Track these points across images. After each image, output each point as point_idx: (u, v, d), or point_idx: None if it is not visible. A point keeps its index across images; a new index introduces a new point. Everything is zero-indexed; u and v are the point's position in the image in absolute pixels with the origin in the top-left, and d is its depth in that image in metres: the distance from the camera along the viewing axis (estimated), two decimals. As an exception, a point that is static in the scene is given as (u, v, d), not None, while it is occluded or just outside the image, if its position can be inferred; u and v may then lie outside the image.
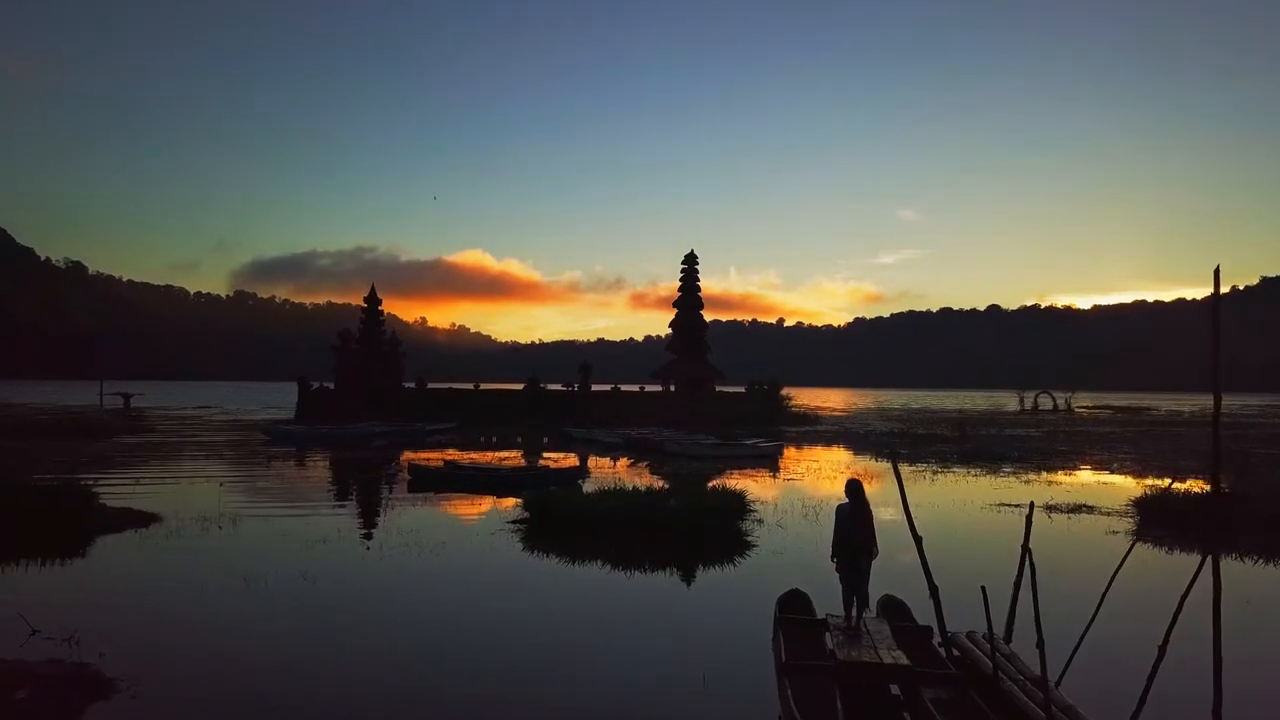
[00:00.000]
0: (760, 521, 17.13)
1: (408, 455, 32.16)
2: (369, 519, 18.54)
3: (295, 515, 17.94)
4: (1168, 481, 22.35)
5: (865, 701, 7.04)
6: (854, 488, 8.85)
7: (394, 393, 58.97)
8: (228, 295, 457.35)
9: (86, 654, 8.37)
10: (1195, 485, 22.69)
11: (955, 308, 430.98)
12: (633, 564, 13.42)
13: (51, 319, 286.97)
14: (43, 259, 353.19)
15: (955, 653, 8.11)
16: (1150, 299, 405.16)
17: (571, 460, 30.22)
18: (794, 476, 27.61)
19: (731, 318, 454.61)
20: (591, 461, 29.94)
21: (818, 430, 54.41)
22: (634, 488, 18.97)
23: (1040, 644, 6.24)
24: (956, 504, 20.67)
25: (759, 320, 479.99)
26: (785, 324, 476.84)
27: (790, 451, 37.63)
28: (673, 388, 64.32)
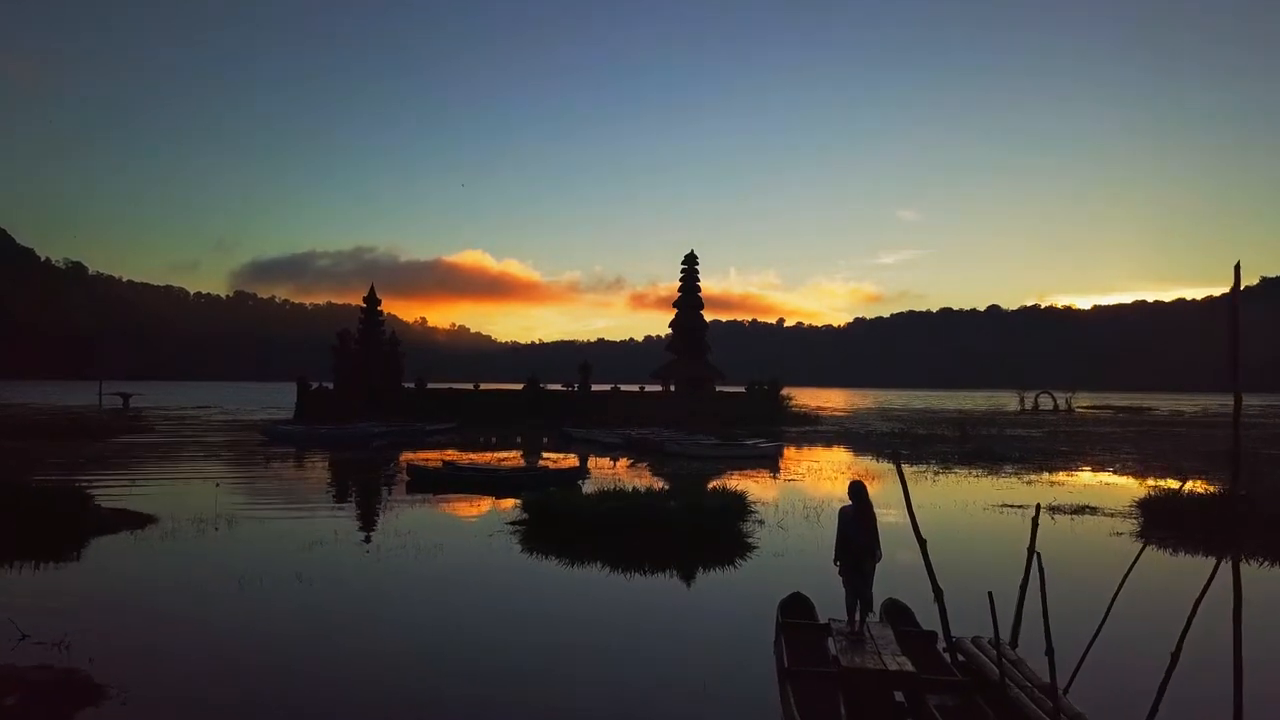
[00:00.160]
0: (761, 523, 17.00)
1: (407, 456, 32.01)
2: (367, 520, 18.40)
3: (292, 516, 17.81)
4: (1179, 484, 22.20)
5: (869, 708, 6.90)
6: (857, 490, 8.71)
7: (393, 393, 58.83)
8: (227, 295, 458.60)
9: (77, 659, 8.24)
10: (1200, 486, 22.53)
11: (955, 308, 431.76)
12: (632, 566, 13.29)
13: (51, 319, 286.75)
14: (43, 259, 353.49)
15: (960, 658, 7.97)
16: (1150, 299, 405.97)
17: (571, 461, 30.09)
18: (794, 477, 27.47)
19: (731, 318, 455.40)
20: (591, 462, 29.81)
21: (818, 430, 54.26)
22: (634, 488, 18.83)
23: (1049, 651, 6.10)
24: (958, 505, 20.54)
25: (759, 320, 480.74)
26: (785, 324, 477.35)
27: (790, 452, 37.49)
28: (673, 388, 64.18)
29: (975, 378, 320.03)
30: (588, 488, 20.75)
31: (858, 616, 8.35)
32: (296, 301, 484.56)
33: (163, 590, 11.54)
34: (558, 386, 62.16)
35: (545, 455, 34.79)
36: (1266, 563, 14.13)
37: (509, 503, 19.48)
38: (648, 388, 65.99)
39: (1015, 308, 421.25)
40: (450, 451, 34.88)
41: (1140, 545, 15.07)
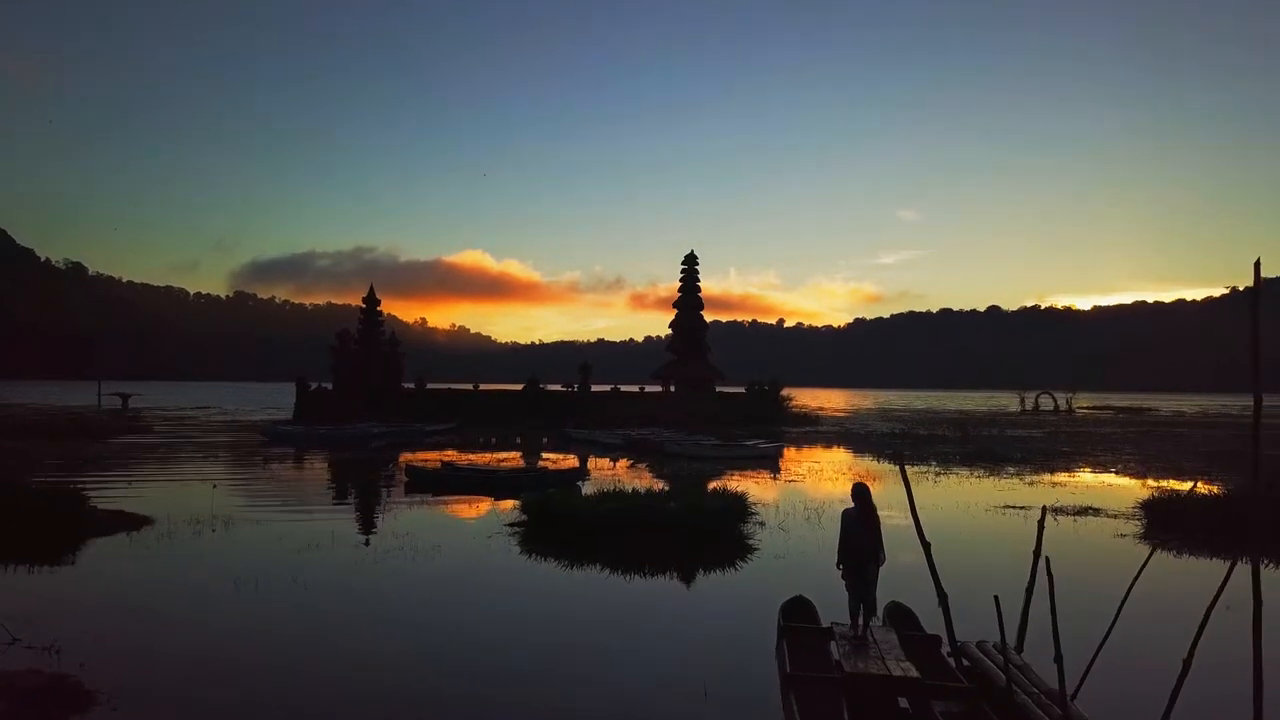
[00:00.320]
0: (762, 524, 16.87)
1: (406, 456, 31.88)
2: (364, 521, 18.26)
3: (290, 518, 17.67)
4: (1189, 485, 22.03)
5: (873, 715, 6.78)
6: (860, 492, 8.58)
7: (393, 393, 58.70)
8: (227, 296, 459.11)
9: (67, 664, 8.11)
10: (1208, 488, 22.40)
11: (955, 308, 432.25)
12: (632, 567, 13.15)
13: (51, 319, 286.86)
14: (43, 259, 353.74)
15: (965, 663, 7.84)
16: (1150, 299, 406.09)
17: (571, 461, 29.98)
18: (795, 478, 27.34)
19: (731, 318, 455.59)
20: (591, 463, 29.70)
21: (818, 431, 54.14)
22: (634, 489, 18.69)
23: (1059, 657, 5.97)
24: (960, 506, 20.40)
25: (759, 321, 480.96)
26: (785, 324, 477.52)
27: (791, 452, 37.36)
28: (673, 388, 64.06)
29: (975, 378, 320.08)
30: (587, 489, 20.63)
31: (861, 620, 8.23)
32: (296, 302, 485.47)
33: (157, 593, 11.40)
34: (558, 387, 62.01)
35: (545, 456, 34.67)
36: (1275, 565, 13.98)
37: (508, 504, 19.35)
38: (648, 388, 65.90)
39: (1015, 308, 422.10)
40: (450, 452, 34.75)
41: (1145, 547, 15.03)
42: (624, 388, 64.25)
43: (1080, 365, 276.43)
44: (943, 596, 7.62)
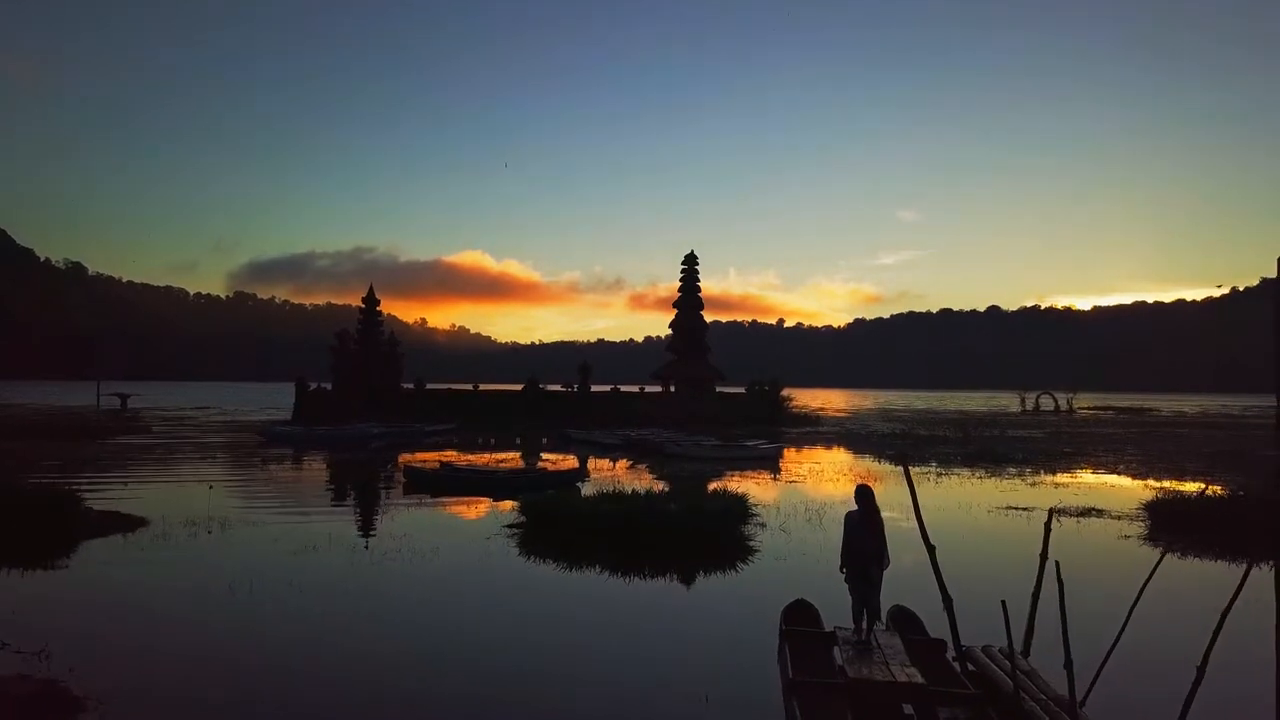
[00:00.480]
0: (763, 525, 16.73)
1: (404, 457, 31.71)
2: (362, 523, 18.12)
3: (287, 519, 17.52)
4: (1200, 486, 21.83)
5: (878, 721, 6.63)
6: (864, 494, 8.44)
7: (393, 393, 58.57)
8: (227, 296, 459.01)
9: (57, 669, 7.97)
10: (1216, 489, 22.23)
11: (955, 308, 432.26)
12: (632, 569, 13.02)
13: (51, 319, 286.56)
14: (43, 259, 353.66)
15: (971, 668, 7.70)
16: (1150, 299, 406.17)
17: (570, 462, 29.83)
18: (796, 479, 27.20)
19: (731, 318, 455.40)
20: (591, 463, 29.55)
21: (818, 431, 54.00)
22: (633, 490, 18.53)
23: (1068, 663, 5.83)
24: (962, 507, 20.26)
25: (759, 321, 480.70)
26: (785, 325, 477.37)
27: (791, 453, 37.23)
28: (673, 389, 63.92)
29: (975, 378, 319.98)
30: (587, 490, 20.48)
31: (864, 624, 8.08)
32: (296, 302, 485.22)
33: (150, 596, 11.26)
34: (557, 387, 61.87)
35: (544, 456, 34.53)
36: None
37: (507, 505, 19.20)
38: (648, 388, 65.72)
39: (1015, 308, 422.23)
40: (449, 453, 34.61)
41: (1150, 548, 14.87)
42: (624, 388, 64.09)
43: (1080, 365, 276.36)
44: (948, 600, 7.48)
